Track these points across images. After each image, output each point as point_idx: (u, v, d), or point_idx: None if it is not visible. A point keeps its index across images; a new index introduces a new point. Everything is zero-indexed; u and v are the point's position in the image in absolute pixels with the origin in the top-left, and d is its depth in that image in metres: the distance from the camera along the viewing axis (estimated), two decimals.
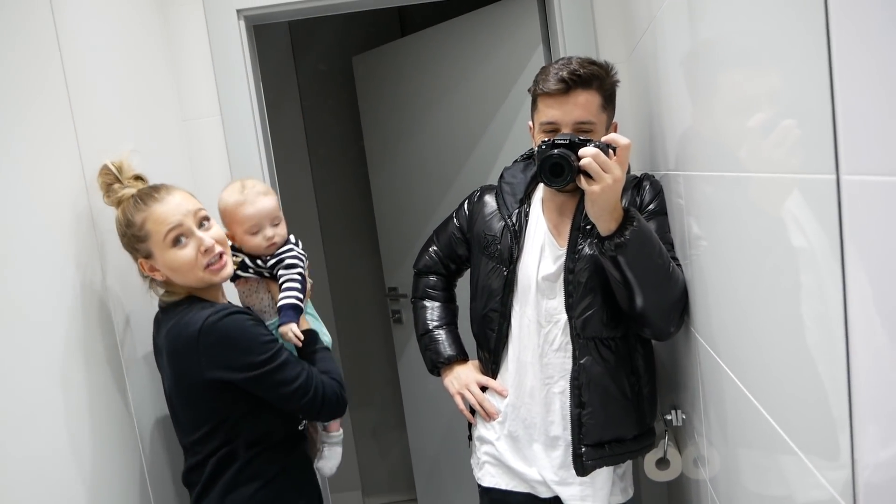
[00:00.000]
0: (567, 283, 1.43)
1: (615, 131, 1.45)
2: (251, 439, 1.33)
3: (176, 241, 1.26)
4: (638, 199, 1.46)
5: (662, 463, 1.59)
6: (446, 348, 1.66)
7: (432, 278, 1.76)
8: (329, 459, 1.61)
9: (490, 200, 1.61)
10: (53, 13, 1.29)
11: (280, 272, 1.47)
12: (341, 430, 1.64)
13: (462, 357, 1.67)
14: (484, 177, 2.29)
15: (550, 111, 1.39)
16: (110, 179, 1.30)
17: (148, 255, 1.28)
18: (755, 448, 1.00)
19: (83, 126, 1.34)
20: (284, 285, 1.45)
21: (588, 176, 1.22)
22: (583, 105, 1.36)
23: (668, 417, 1.58)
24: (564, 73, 1.36)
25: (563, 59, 1.43)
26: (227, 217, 1.48)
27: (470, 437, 1.67)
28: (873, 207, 0.55)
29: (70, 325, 1.20)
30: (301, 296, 1.44)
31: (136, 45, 1.70)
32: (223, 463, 1.31)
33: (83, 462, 1.18)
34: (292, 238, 1.53)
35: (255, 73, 2.00)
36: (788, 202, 0.75)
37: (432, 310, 1.73)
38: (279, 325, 1.41)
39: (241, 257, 1.49)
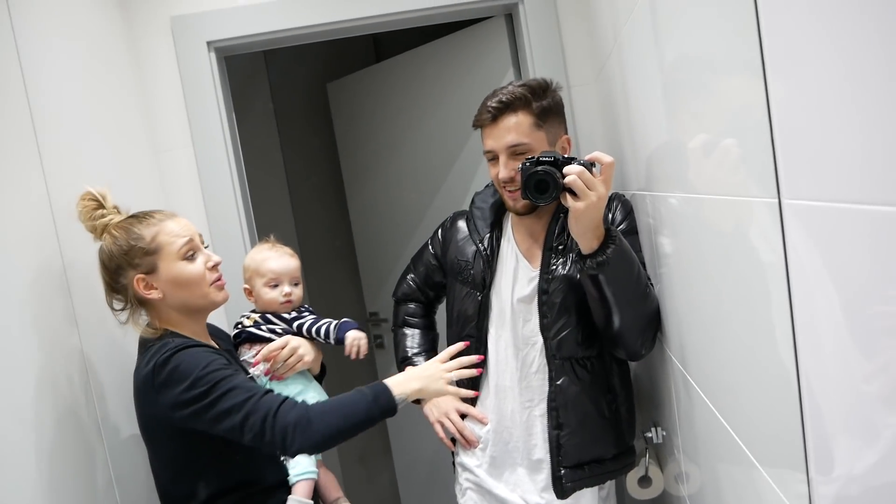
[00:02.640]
0: (541, 303, 1.44)
1: (568, 146, 1.46)
2: (217, 490, 1.27)
3: (188, 255, 1.29)
4: (609, 218, 1.47)
5: (644, 481, 1.59)
6: None
7: (411, 306, 1.76)
8: None
9: (462, 226, 1.61)
10: (17, 45, 1.28)
11: (310, 321, 1.54)
12: (309, 502, 1.41)
13: None
14: (460, 199, 2.30)
15: (487, 141, 1.43)
16: (94, 205, 1.30)
17: (150, 271, 1.26)
18: (726, 464, 1.00)
19: (50, 161, 1.33)
20: (321, 321, 1.54)
21: (572, 193, 1.23)
22: (512, 129, 1.39)
23: (649, 435, 1.58)
24: (490, 103, 1.41)
25: (499, 87, 1.46)
26: (250, 271, 1.54)
27: (454, 464, 1.66)
28: (813, 230, 0.56)
29: (40, 366, 1.19)
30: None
31: (105, 78, 1.70)
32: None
33: None
34: (305, 306, 1.59)
35: (227, 103, 2.01)
36: (738, 222, 0.76)
37: (412, 337, 1.72)
38: (349, 333, 1.51)
39: (253, 317, 1.53)
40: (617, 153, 1.68)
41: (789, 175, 0.59)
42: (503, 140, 1.40)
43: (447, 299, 1.64)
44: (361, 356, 1.52)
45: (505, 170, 1.41)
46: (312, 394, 1.51)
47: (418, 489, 2.78)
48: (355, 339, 1.50)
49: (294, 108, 3.17)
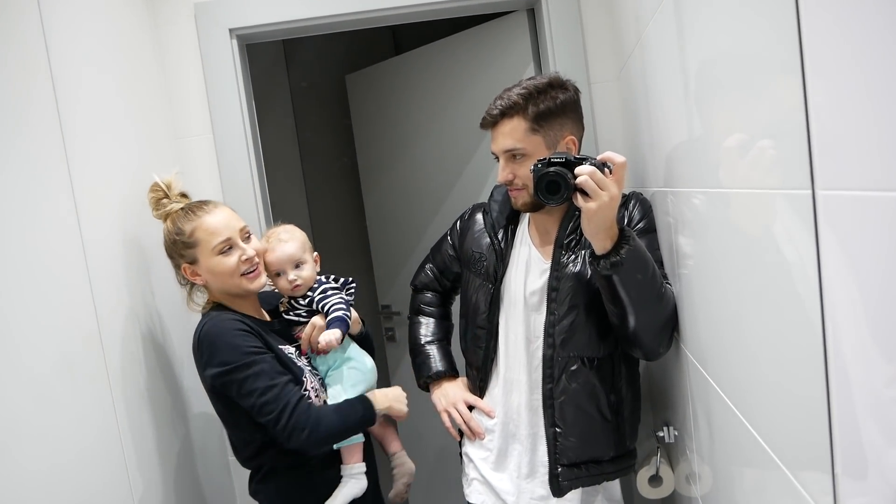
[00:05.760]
0: (550, 300, 1.43)
1: (573, 146, 1.44)
2: (264, 445, 1.42)
3: (223, 250, 1.41)
4: (626, 217, 1.46)
5: (655, 480, 1.58)
6: (436, 363, 1.66)
7: (428, 295, 1.76)
8: (342, 488, 1.50)
9: (479, 218, 1.62)
10: (44, 33, 1.30)
11: (322, 302, 1.54)
12: (360, 464, 1.54)
13: (452, 373, 1.67)
14: (476, 194, 2.30)
15: (491, 143, 1.47)
16: (160, 195, 1.46)
17: (192, 262, 1.42)
18: (744, 465, 1.00)
19: (73, 146, 1.34)
20: (331, 306, 1.53)
21: (584, 193, 1.22)
22: (508, 134, 1.42)
23: (661, 434, 1.58)
24: (490, 108, 1.44)
25: (506, 88, 1.45)
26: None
27: (461, 455, 1.66)
28: (848, 221, 0.56)
29: (57, 344, 1.20)
30: (348, 313, 1.53)
31: (128, 64, 1.71)
32: (258, 454, 1.46)
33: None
34: (322, 278, 1.60)
35: (248, 91, 2.01)
36: (767, 218, 0.75)
37: (426, 325, 1.73)
38: (326, 332, 1.49)
39: (284, 303, 1.59)
40: (637, 151, 1.68)
41: (824, 169, 0.58)
42: (501, 144, 1.43)
43: (461, 289, 1.65)
44: (312, 350, 1.54)
45: (502, 172, 1.45)
46: (351, 360, 1.58)
47: (426, 481, 2.78)
48: (322, 337, 1.48)
49: (312, 99, 3.18)
